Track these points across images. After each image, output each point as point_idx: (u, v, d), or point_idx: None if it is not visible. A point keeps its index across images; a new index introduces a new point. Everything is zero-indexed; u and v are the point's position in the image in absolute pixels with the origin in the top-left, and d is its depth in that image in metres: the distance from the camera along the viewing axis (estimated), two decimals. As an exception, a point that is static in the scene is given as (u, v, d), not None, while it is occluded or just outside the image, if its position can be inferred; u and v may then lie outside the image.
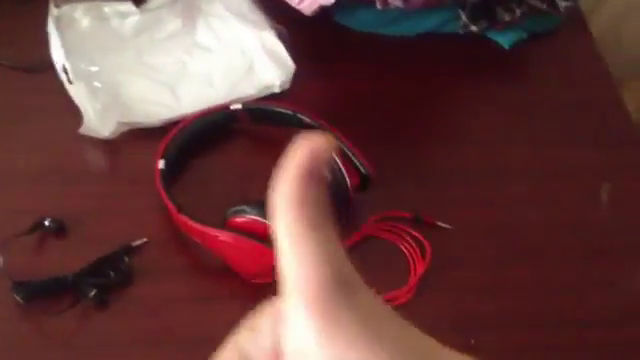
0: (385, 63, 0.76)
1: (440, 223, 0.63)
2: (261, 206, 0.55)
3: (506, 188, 0.67)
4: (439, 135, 0.73)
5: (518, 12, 0.78)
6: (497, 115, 0.75)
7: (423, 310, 0.58)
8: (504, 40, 0.80)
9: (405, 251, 0.61)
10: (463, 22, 0.78)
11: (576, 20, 0.82)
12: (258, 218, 0.54)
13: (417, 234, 0.62)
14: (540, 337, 0.59)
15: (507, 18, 0.78)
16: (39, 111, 0.65)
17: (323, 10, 0.73)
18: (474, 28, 0.78)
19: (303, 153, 0.24)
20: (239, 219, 0.54)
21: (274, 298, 0.26)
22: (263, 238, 0.54)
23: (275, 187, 0.24)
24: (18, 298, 0.52)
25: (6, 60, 0.68)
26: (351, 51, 0.76)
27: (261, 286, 0.56)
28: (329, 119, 0.64)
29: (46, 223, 0.57)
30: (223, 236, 0.54)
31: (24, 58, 0.68)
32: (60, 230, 0.57)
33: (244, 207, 0.55)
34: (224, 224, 0.55)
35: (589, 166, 0.70)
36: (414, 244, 0.61)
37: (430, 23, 0.78)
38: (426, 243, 0.61)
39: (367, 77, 0.74)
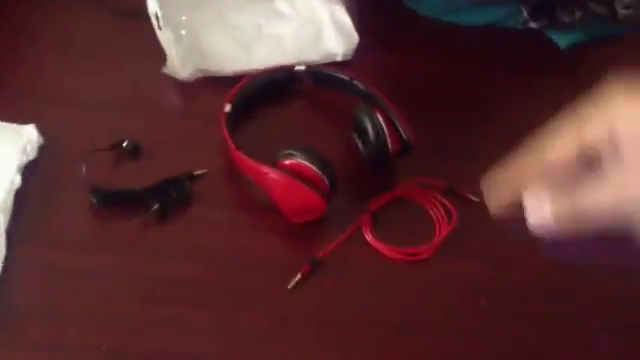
0: (444, 48, 0.81)
1: (470, 195, 0.68)
2: (308, 152, 0.62)
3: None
4: (485, 119, 0.77)
5: (578, 14, 0.82)
6: (545, 108, 0.78)
7: (441, 269, 0.64)
8: (561, 40, 0.83)
9: (432, 215, 0.67)
10: (524, 18, 0.82)
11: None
12: (303, 162, 0.61)
13: (447, 203, 0.67)
14: (545, 308, 0.63)
15: (566, 19, 0.82)
16: (131, 51, 0.75)
17: (393, -8, 0.79)
18: (533, 25, 0.82)
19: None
20: (287, 161, 0.62)
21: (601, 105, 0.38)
22: (306, 180, 0.61)
23: None
24: (94, 201, 0.62)
25: (108, 6, 0.78)
26: (414, 33, 0.81)
27: (296, 225, 0.63)
28: (383, 91, 0.70)
29: (124, 145, 0.66)
30: (272, 173, 0.61)
31: (123, 5, 0.78)
32: (135, 152, 0.66)
33: (292, 151, 0.62)
34: (274, 164, 0.62)
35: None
36: (442, 210, 0.67)
37: (492, 16, 0.83)
38: (453, 210, 0.67)
39: (424, 59, 0.79)
